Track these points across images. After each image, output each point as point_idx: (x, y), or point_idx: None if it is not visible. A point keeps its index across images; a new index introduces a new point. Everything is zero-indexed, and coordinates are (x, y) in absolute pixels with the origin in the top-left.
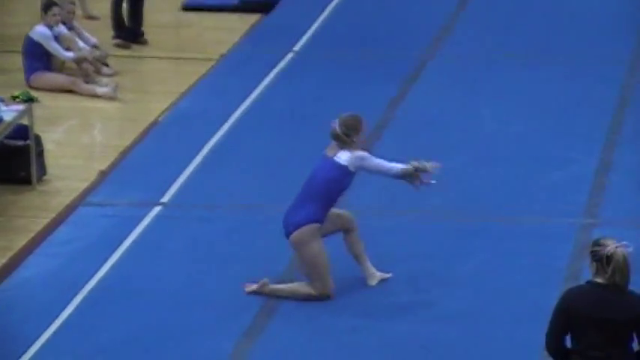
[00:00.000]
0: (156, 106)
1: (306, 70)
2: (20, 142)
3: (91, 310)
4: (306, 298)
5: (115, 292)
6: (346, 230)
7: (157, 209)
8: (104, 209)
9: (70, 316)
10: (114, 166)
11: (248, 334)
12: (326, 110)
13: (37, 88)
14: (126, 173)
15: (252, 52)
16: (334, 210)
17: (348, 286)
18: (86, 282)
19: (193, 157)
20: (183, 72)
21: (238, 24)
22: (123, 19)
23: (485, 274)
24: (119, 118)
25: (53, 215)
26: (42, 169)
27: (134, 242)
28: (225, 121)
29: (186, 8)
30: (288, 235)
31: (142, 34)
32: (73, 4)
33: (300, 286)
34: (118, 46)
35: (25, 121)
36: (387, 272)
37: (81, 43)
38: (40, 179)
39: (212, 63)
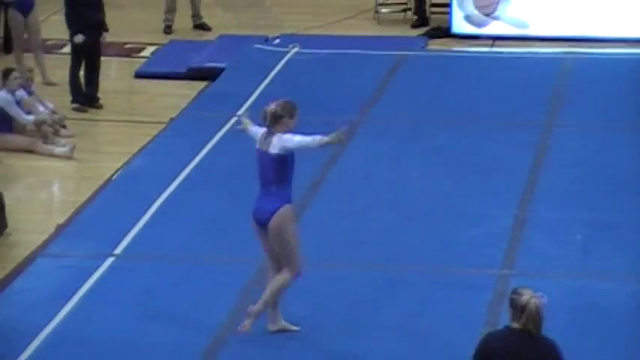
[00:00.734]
0: (110, 165)
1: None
2: None
3: (47, 355)
4: (286, 286)
5: (70, 337)
6: (280, 269)
7: (110, 260)
8: (61, 260)
9: None
10: (70, 220)
11: None
12: None
13: None
14: (82, 227)
15: (199, 116)
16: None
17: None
18: (42, 329)
19: (144, 211)
20: (135, 134)
21: (186, 90)
22: (80, 85)
23: (412, 321)
24: (76, 177)
25: (12, 266)
26: (2, 224)
27: (89, 291)
28: (174, 178)
29: (138, 76)
30: (264, 222)
31: (98, 99)
32: (32, 71)
33: (274, 283)
34: (75, 109)
35: None
36: (296, 326)
37: (41, 107)
38: (1, 233)
39: (162, 126)
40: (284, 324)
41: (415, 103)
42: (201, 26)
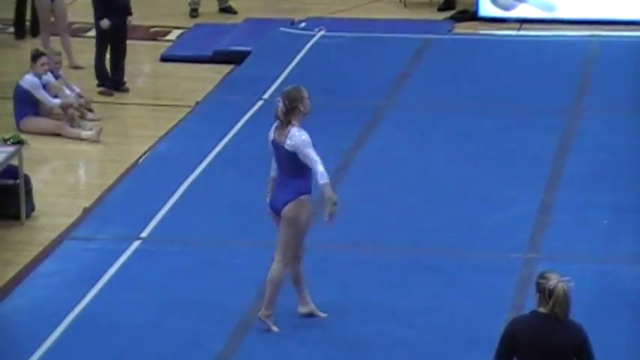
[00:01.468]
0: (136, 148)
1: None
2: (10, 182)
3: (73, 337)
4: (281, 279)
5: (96, 320)
6: (298, 258)
7: (136, 243)
8: (87, 243)
9: (54, 343)
10: (97, 203)
11: (220, 358)
12: None
13: (26, 132)
14: (108, 210)
15: (224, 100)
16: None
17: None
18: (69, 311)
19: (170, 195)
20: (161, 118)
21: (212, 74)
22: (106, 69)
23: (438, 304)
24: (102, 160)
25: (40, 249)
26: (30, 206)
27: (115, 274)
28: (200, 162)
29: (164, 59)
30: (278, 211)
31: (124, 83)
32: (60, 54)
33: (270, 281)
34: (101, 93)
35: (14, 162)
36: (323, 312)
37: (67, 91)
38: (28, 215)
39: (188, 110)
40: (313, 308)
41: (441, 88)
42: (226, 9)
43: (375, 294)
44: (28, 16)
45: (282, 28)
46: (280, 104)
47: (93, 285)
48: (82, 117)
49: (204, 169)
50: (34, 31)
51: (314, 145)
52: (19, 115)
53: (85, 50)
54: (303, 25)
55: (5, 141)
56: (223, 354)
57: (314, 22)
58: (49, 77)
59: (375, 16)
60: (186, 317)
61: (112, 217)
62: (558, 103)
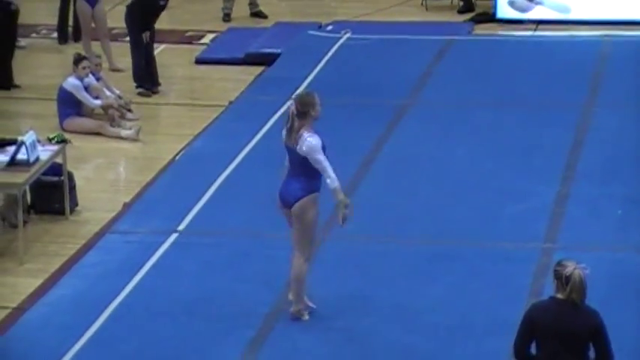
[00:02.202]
0: (173, 146)
1: None
2: (55, 178)
3: (115, 325)
4: (304, 274)
5: (137, 309)
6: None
7: (174, 236)
8: (128, 236)
9: (98, 330)
10: (136, 198)
11: (253, 345)
12: None
13: (69, 131)
14: (147, 205)
15: (256, 100)
16: None
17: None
18: (112, 300)
19: (206, 190)
20: (196, 117)
21: (244, 75)
22: (143, 71)
23: (459, 292)
24: (141, 157)
25: (83, 242)
26: (74, 202)
27: (154, 265)
28: (234, 159)
29: (199, 62)
30: (289, 205)
31: (159, 84)
32: (100, 58)
33: (294, 275)
34: (140, 94)
35: (59, 160)
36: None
37: (107, 92)
38: (72, 210)
39: (221, 109)
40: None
41: (461, 86)
42: (257, 14)
43: (399, 283)
44: (71, 22)
45: (310, 32)
46: (292, 108)
47: (133, 276)
48: (122, 117)
49: (238, 165)
50: (76, 36)
51: (327, 148)
52: (63, 115)
53: (123, 54)
54: (330, 28)
55: (50, 140)
56: (256, 341)
57: (340, 26)
58: (90, 79)
59: (397, 19)
60: (221, 306)
61: (150, 211)
62: (573, 99)
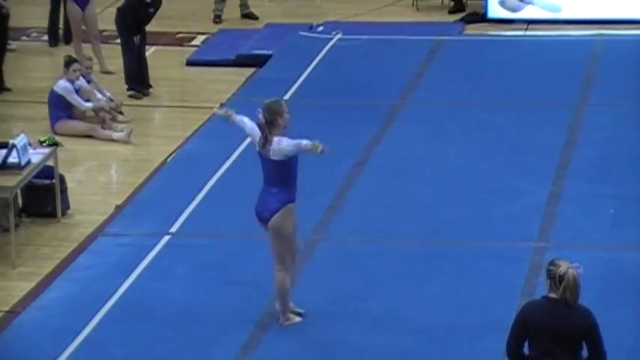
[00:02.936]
0: (165, 148)
1: (295, 116)
2: (47, 181)
3: (109, 327)
4: (288, 284)
5: (129, 311)
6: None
7: (166, 238)
8: (120, 239)
9: (90, 332)
10: (128, 201)
11: (246, 348)
12: None
13: (60, 134)
14: (139, 207)
15: (247, 101)
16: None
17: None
18: (104, 303)
19: (198, 192)
20: (188, 119)
21: (235, 77)
22: (134, 74)
23: (453, 291)
24: (133, 160)
25: (75, 245)
26: (65, 205)
27: (146, 267)
28: (225, 160)
29: (190, 63)
30: (265, 220)
31: (149, 86)
32: (91, 60)
33: (277, 290)
34: (131, 97)
35: (50, 163)
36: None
37: (99, 95)
38: (64, 213)
39: (213, 111)
40: (291, 306)
41: (453, 86)
42: (248, 15)
43: (393, 283)
44: (61, 24)
45: (301, 33)
46: (261, 116)
47: (126, 278)
48: (113, 119)
49: (230, 166)
50: (67, 39)
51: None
52: (54, 118)
53: (115, 56)
54: (321, 29)
55: (41, 143)
56: (250, 343)
57: (331, 26)
58: (81, 82)
59: (389, 20)
60: (214, 308)
61: (142, 213)
62: (564, 98)
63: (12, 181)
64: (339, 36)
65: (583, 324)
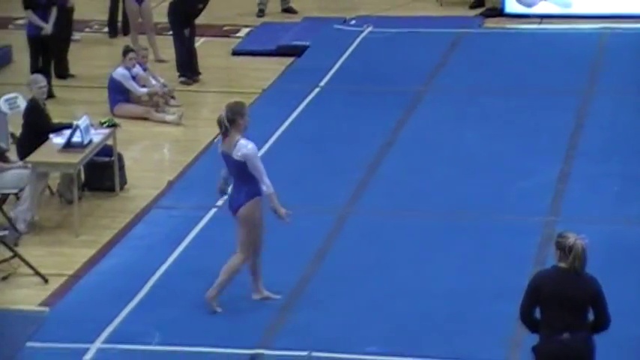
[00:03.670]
0: (212, 130)
1: (329, 101)
2: (106, 159)
3: (160, 290)
4: (239, 268)
5: (179, 276)
6: (258, 253)
7: (213, 211)
8: (171, 211)
9: (145, 295)
10: (179, 177)
11: (284, 307)
12: (344, 132)
13: (119, 116)
14: (188, 182)
15: (287, 88)
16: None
17: (358, 270)
18: (157, 268)
19: None
20: None
21: (276, 65)
22: (186, 62)
23: (470, 261)
24: (183, 140)
25: (131, 216)
26: (123, 180)
27: (195, 237)
28: (267, 140)
29: (235, 53)
30: (234, 212)
31: (199, 74)
32: (146, 49)
33: (227, 269)
34: (182, 83)
35: (110, 142)
36: (278, 294)
37: (153, 81)
38: (121, 188)
39: (256, 96)
40: (267, 293)
41: (472, 74)
42: (288, 10)
43: (418, 252)
44: (120, 18)
45: (335, 26)
46: (223, 114)
47: (176, 246)
48: (166, 103)
49: (271, 145)
50: (125, 31)
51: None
52: (113, 102)
53: (168, 46)
54: (353, 22)
55: (102, 124)
56: (286, 306)
57: (363, 20)
58: (137, 69)
59: (415, 14)
60: None
61: (192, 188)
62: (574, 86)
63: (75, 158)
64: (369, 29)
65: (591, 291)
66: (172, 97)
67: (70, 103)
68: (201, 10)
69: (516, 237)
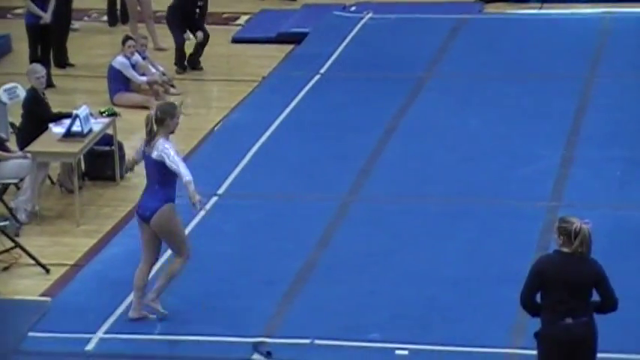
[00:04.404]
0: (212, 118)
1: (330, 88)
2: (107, 148)
3: None
4: (179, 271)
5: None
6: (152, 263)
7: (214, 199)
8: None
9: (149, 282)
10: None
11: (287, 296)
12: (346, 119)
13: (119, 105)
14: (190, 171)
15: (287, 75)
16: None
17: (361, 256)
18: (159, 257)
19: (243, 157)
20: (233, 91)
21: (276, 53)
22: (184, 52)
23: (473, 246)
24: (184, 128)
25: (133, 205)
26: (124, 169)
27: (197, 225)
28: (268, 128)
29: (235, 41)
30: (146, 219)
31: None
32: (146, 38)
33: (168, 271)
34: (178, 72)
35: (110, 131)
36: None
37: (153, 69)
38: (122, 177)
39: (256, 84)
40: (145, 313)
41: (474, 60)
42: None
43: (421, 239)
44: (119, 6)
45: (335, 12)
46: (153, 112)
47: None
48: (166, 92)
49: (272, 134)
50: (124, 19)
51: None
52: (113, 91)
53: (167, 35)
54: (353, 9)
55: (102, 113)
56: (290, 293)
57: (363, 6)
58: (137, 58)
59: (415, 0)
60: (259, 260)
61: (193, 176)
62: (576, 71)
63: (76, 147)
64: (369, 15)
65: (594, 273)
66: (172, 86)
67: (69, 93)
68: (201, 7)
69: (519, 222)
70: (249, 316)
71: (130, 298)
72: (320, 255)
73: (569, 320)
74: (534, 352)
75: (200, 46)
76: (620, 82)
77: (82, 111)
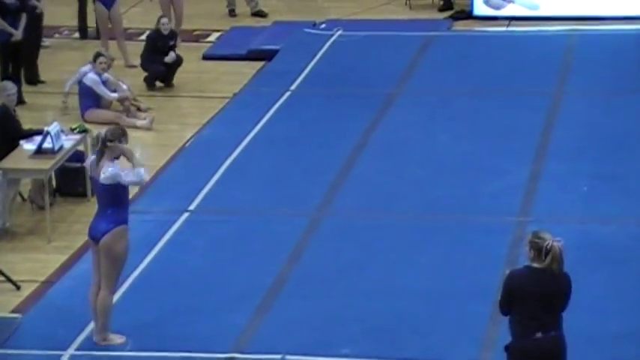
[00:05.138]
0: (184, 134)
1: (300, 105)
2: (77, 164)
3: (134, 295)
4: (110, 303)
5: (153, 280)
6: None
7: (185, 215)
8: (144, 215)
9: (119, 299)
10: (151, 181)
11: (258, 311)
12: (317, 134)
13: (90, 122)
14: (161, 187)
15: (258, 91)
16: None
17: (332, 271)
18: (131, 273)
19: (214, 173)
20: (204, 107)
21: (247, 69)
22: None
23: (443, 260)
24: (155, 144)
25: None
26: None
27: (168, 241)
28: (239, 144)
29: (206, 58)
30: (97, 240)
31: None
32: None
33: (100, 308)
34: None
35: (81, 148)
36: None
37: (124, 86)
38: (93, 193)
39: (227, 100)
40: (112, 337)
41: (443, 76)
42: (258, 13)
43: (391, 253)
44: (90, 23)
45: (305, 29)
46: (102, 134)
47: (150, 250)
48: (139, 109)
49: (243, 150)
50: (98, 35)
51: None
52: (84, 107)
53: (138, 52)
54: (323, 26)
55: (73, 130)
56: (262, 308)
57: (333, 24)
58: (108, 75)
59: (384, 17)
60: (231, 276)
61: (164, 193)
62: (544, 87)
63: (47, 164)
64: (339, 32)
65: (566, 289)
66: (138, 108)
67: (40, 109)
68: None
69: (488, 237)
70: (220, 332)
71: None
72: (291, 270)
73: (538, 335)
74: None
75: (172, 66)
76: (586, 99)
77: (53, 128)
